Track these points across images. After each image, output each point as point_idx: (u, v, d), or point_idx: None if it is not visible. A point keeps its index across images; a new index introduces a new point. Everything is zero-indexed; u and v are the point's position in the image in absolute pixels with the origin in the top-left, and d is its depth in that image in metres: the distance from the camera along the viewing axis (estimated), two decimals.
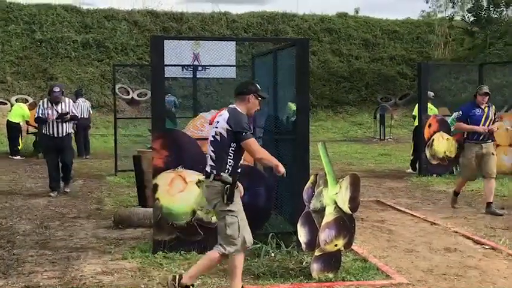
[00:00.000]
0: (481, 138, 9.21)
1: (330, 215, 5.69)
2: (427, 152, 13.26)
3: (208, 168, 5.01)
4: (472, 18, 29.62)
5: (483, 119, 9.22)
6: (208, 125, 11.28)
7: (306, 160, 6.90)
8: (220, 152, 4.96)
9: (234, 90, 5.21)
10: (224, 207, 4.90)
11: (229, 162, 4.93)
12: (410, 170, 14.02)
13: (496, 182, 12.15)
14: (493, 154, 9.28)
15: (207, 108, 14.97)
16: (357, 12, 36.17)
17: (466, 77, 25.24)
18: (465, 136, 9.43)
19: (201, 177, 5.64)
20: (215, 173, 4.93)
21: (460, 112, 9.41)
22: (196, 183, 6.32)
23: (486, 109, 9.26)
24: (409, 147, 15.21)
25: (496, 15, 28.83)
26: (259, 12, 33.21)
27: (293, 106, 7.34)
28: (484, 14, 28.88)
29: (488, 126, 9.17)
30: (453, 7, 31.21)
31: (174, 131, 7.36)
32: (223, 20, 31.41)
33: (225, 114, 5.02)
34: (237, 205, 4.96)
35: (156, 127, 6.56)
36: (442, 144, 13.32)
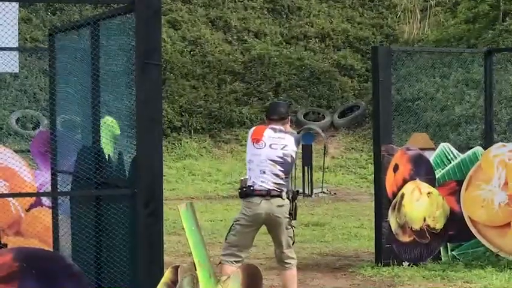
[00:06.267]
0: None
1: None
2: (392, 220, 7.72)
3: (275, 187, 5.54)
4: None
5: None
6: None
7: (158, 232, 4.19)
8: (289, 172, 5.82)
9: (269, 112, 5.93)
10: (290, 222, 5.74)
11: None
12: None
13: None
14: None
15: None
16: None
17: None
18: None
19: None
20: (285, 191, 5.65)
21: None
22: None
23: None
24: (360, 209, 9.25)
25: None
26: None
27: (114, 124, 4.71)
28: None
29: None
30: None
31: None
32: None
33: (288, 137, 5.70)
34: None
35: None
36: (420, 204, 7.82)
